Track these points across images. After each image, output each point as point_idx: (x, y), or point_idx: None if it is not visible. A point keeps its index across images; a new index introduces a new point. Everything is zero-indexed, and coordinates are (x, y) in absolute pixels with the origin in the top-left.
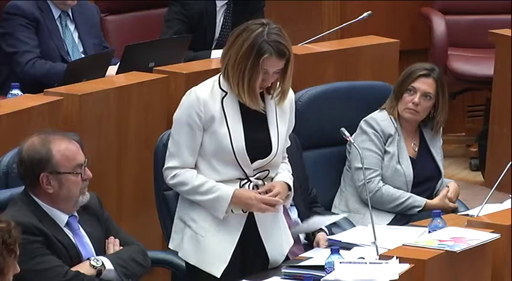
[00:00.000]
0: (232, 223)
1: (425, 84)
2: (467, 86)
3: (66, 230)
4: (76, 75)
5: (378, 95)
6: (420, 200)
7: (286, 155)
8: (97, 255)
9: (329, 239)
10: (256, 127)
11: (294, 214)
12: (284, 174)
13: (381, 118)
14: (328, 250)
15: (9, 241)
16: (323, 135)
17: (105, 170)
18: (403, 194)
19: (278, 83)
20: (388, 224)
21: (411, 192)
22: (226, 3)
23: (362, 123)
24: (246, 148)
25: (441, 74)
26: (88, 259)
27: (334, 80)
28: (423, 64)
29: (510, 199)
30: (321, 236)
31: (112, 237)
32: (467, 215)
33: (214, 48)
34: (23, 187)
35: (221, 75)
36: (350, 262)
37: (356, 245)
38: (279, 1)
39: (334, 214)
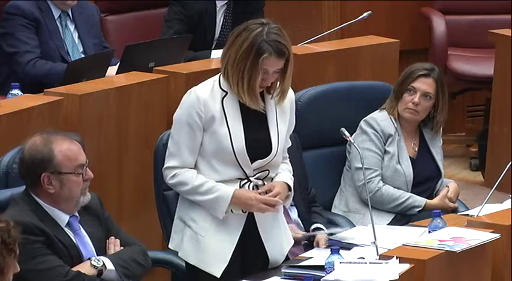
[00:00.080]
0: (232, 223)
1: (425, 84)
2: (467, 86)
3: (67, 230)
4: (76, 75)
5: (378, 95)
6: (420, 200)
7: (287, 156)
8: (98, 255)
9: (329, 239)
10: (256, 127)
11: (294, 213)
12: (284, 174)
13: (381, 118)
14: (328, 250)
15: (8, 241)
16: (323, 135)
17: (105, 170)
18: (403, 194)
19: (278, 82)
20: (388, 224)
21: (411, 192)
22: (226, 3)
23: (362, 123)
24: (246, 147)
25: (441, 74)
26: (89, 259)
27: (334, 80)
28: (423, 64)
29: (510, 199)
30: (321, 236)
31: (113, 237)
32: (467, 215)
33: (214, 48)
34: (24, 187)
35: (221, 75)
36: (350, 262)
37: (356, 245)
38: (279, 1)
39: (334, 214)
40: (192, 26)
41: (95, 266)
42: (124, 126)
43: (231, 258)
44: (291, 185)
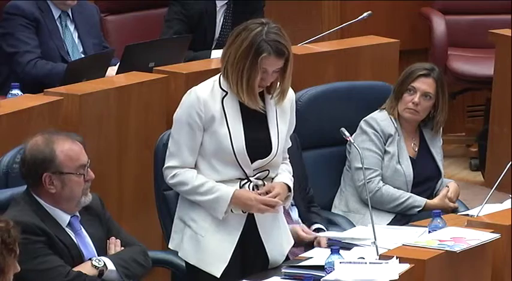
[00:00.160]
0: (232, 223)
1: (425, 84)
2: (467, 86)
3: (68, 230)
4: (76, 75)
5: (378, 95)
6: (420, 200)
7: (287, 156)
8: (98, 255)
9: (329, 239)
10: (256, 127)
11: (295, 213)
12: (284, 175)
13: (381, 118)
14: (328, 250)
15: (8, 241)
16: (323, 135)
17: (105, 170)
18: (403, 194)
19: (278, 83)
20: (388, 224)
21: (411, 192)
22: (226, 3)
23: (362, 123)
24: (246, 147)
25: (441, 74)
26: (90, 259)
27: (334, 80)
28: (423, 64)
29: (510, 199)
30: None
31: (113, 237)
32: (467, 215)
33: (214, 48)
34: (24, 187)
35: (221, 75)
36: (350, 262)
37: (356, 245)
38: (279, 1)
39: (334, 214)
40: (192, 26)
41: (96, 266)
42: (124, 126)
43: (231, 258)
44: (291, 186)
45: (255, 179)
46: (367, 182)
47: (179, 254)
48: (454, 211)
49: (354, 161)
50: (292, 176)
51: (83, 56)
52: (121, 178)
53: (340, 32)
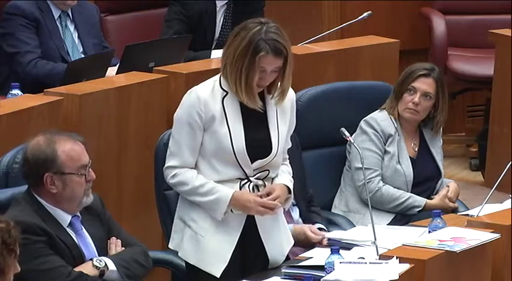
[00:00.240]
0: (232, 223)
1: (425, 84)
2: (467, 86)
3: (69, 230)
4: (76, 75)
5: (378, 95)
6: (420, 200)
7: (287, 157)
8: (99, 255)
9: (329, 239)
10: (256, 127)
11: (296, 214)
12: (284, 176)
13: (381, 118)
14: (328, 250)
15: (9, 241)
16: (323, 135)
17: (105, 170)
18: (403, 194)
19: (279, 83)
20: (388, 224)
21: (411, 192)
22: (226, 3)
23: (362, 123)
24: (246, 147)
25: (441, 74)
26: (91, 259)
27: (334, 80)
28: (423, 64)
29: (510, 199)
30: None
31: (114, 238)
32: (467, 215)
33: (214, 48)
34: (25, 187)
35: (221, 75)
36: (350, 262)
37: (356, 245)
38: (279, 1)
39: (334, 214)
40: (192, 26)
41: (97, 266)
42: (124, 126)
43: (231, 258)
44: (291, 187)
45: (255, 179)
46: (367, 182)
47: (179, 254)
48: (454, 211)
49: (354, 161)
50: (292, 177)
51: (83, 56)
52: (121, 178)
53: (340, 32)
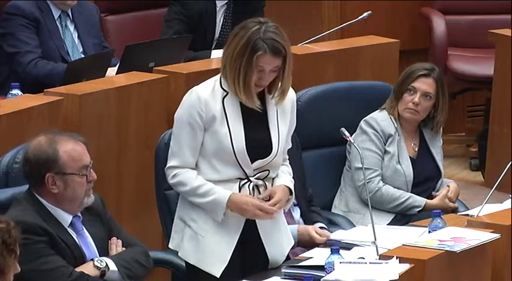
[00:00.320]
0: (232, 223)
1: (425, 84)
2: (467, 86)
3: (70, 230)
4: (76, 75)
5: (378, 95)
6: (420, 200)
7: (287, 157)
8: (100, 256)
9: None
10: (256, 127)
11: (297, 214)
12: (285, 177)
13: (381, 118)
14: (328, 250)
15: (9, 241)
16: (323, 135)
17: (105, 170)
18: (403, 194)
19: (279, 83)
20: (388, 224)
21: (411, 192)
22: (226, 3)
23: (362, 123)
24: (246, 147)
25: (441, 74)
26: (92, 259)
27: (334, 80)
28: (423, 64)
29: (510, 199)
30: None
31: (115, 238)
32: (467, 215)
33: (214, 48)
34: (25, 186)
35: (221, 74)
36: (350, 262)
37: (356, 245)
38: (279, 1)
39: (334, 214)
40: (192, 26)
41: (98, 267)
42: (124, 126)
43: (231, 258)
44: (292, 188)
45: (255, 179)
46: (367, 182)
47: (179, 254)
48: (454, 211)
49: (354, 161)
50: (293, 177)
51: (83, 56)
52: (121, 178)
53: (340, 32)
